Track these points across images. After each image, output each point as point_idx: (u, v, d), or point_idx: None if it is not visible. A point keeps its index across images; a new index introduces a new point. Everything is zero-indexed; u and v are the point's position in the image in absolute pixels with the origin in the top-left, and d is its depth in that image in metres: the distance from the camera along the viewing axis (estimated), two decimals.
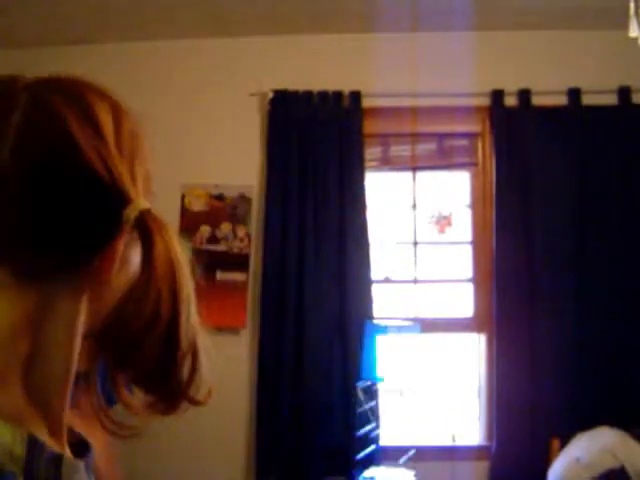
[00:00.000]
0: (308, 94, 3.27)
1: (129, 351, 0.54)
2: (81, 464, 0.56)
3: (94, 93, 0.58)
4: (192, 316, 0.57)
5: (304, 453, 3.06)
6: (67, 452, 0.58)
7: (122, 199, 0.54)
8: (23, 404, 0.53)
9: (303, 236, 3.17)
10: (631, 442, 2.64)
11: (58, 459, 0.53)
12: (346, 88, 3.27)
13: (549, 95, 3.22)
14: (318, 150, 3.22)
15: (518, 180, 3.20)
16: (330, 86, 3.27)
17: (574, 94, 3.22)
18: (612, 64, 3.23)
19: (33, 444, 0.51)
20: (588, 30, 3.25)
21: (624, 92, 3.21)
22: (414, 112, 3.28)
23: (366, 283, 3.18)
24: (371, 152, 3.37)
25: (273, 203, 3.22)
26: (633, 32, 2.07)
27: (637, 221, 3.13)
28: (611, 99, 3.22)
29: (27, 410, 0.54)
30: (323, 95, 3.27)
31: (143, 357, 0.54)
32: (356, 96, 3.25)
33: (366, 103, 3.26)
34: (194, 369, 0.56)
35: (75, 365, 0.57)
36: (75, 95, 0.56)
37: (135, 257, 0.57)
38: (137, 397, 0.57)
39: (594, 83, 3.20)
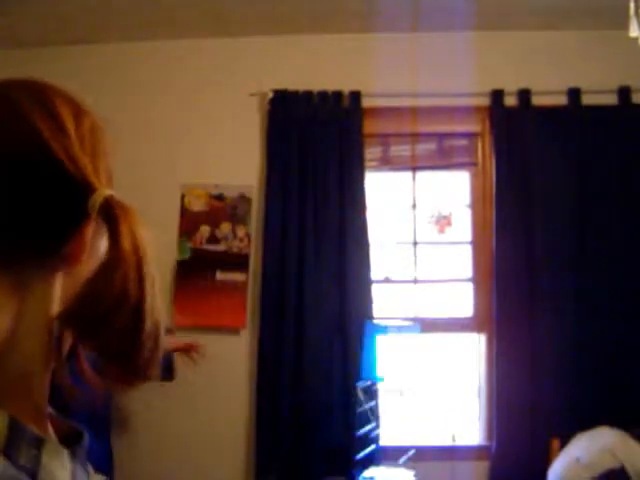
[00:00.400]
0: (308, 94, 3.27)
1: (97, 326, 0.56)
2: (65, 451, 0.57)
3: (55, 92, 0.62)
4: (156, 297, 0.58)
5: (304, 453, 3.06)
6: (51, 436, 0.59)
7: (87, 187, 0.57)
8: (3, 387, 0.55)
9: (303, 236, 3.17)
10: (631, 442, 2.63)
11: (40, 441, 0.54)
12: (346, 88, 3.27)
13: (549, 95, 3.22)
14: (318, 150, 3.22)
15: (518, 180, 3.20)
16: (330, 86, 3.27)
17: (574, 94, 3.22)
18: (612, 64, 3.23)
19: (15, 425, 0.52)
20: (588, 30, 3.25)
21: (624, 92, 3.21)
22: (414, 112, 3.28)
23: (366, 283, 3.18)
24: (371, 152, 3.37)
25: (273, 203, 3.22)
26: (633, 32, 2.07)
27: (637, 221, 3.13)
28: (611, 99, 3.22)
29: (7, 392, 0.55)
30: (323, 95, 3.27)
31: (110, 333, 0.56)
32: (356, 96, 3.26)
33: (366, 103, 3.26)
34: (155, 348, 0.58)
35: (51, 346, 0.59)
36: (37, 92, 0.60)
37: (103, 241, 0.60)
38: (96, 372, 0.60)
39: (594, 83, 3.20)
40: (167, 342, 0.77)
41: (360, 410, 2.85)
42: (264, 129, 3.32)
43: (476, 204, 3.37)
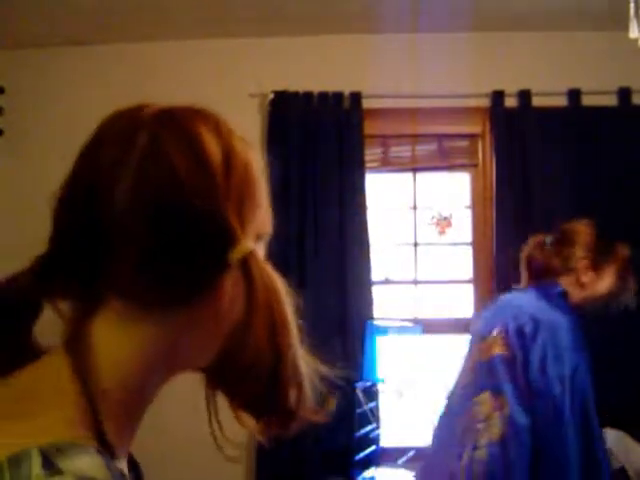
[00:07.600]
0: (308, 95, 3.27)
1: (235, 384, 0.58)
2: None
3: (208, 128, 0.61)
4: (297, 353, 0.60)
5: (304, 454, 3.06)
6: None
7: (228, 240, 0.57)
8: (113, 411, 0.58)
9: (303, 237, 3.16)
10: (631, 442, 2.63)
11: None
12: (346, 89, 3.27)
13: (549, 96, 3.22)
14: (318, 151, 3.22)
15: (518, 181, 3.20)
16: (330, 87, 3.27)
17: (574, 95, 3.22)
18: (612, 65, 3.23)
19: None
20: (588, 31, 3.26)
21: (624, 93, 3.22)
22: (414, 113, 3.28)
23: (366, 284, 3.18)
24: (371, 153, 3.37)
25: (273, 204, 3.19)
26: (633, 33, 2.07)
27: (638, 221, 3.13)
28: (611, 100, 3.22)
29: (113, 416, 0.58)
30: (323, 96, 3.27)
31: (248, 390, 0.58)
32: (356, 97, 3.25)
33: (366, 104, 3.26)
34: (300, 395, 0.60)
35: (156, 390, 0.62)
36: (188, 135, 0.59)
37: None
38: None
39: (594, 84, 3.20)
40: None
41: (360, 411, 2.84)
42: (264, 130, 3.32)
43: (476, 205, 3.37)
